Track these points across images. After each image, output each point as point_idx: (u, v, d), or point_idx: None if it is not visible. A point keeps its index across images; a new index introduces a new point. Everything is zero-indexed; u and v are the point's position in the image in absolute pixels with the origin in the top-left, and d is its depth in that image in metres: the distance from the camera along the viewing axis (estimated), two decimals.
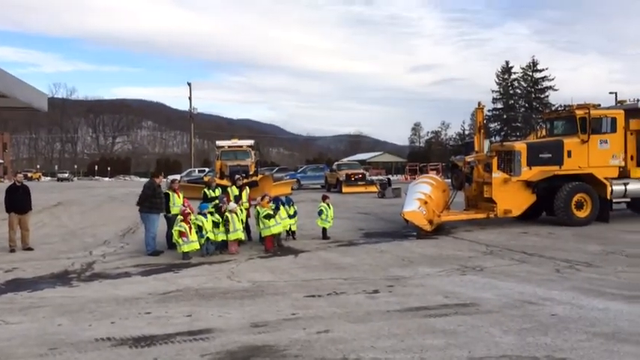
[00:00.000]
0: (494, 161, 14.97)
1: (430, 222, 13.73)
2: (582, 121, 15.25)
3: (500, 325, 6.24)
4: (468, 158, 16.68)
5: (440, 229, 14.40)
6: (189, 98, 65.86)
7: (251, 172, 28.96)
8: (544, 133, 17.75)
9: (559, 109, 17.28)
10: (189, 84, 65.64)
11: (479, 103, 17.64)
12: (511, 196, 14.83)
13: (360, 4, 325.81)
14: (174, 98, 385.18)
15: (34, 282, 9.35)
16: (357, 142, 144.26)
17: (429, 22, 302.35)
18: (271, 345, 5.72)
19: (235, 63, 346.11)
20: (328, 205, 13.83)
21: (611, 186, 15.03)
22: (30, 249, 12.56)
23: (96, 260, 11.35)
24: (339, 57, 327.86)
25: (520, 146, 15.38)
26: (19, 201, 12.77)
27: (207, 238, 11.40)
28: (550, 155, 15.17)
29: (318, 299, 7.71)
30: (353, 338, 5.88)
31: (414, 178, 28.85)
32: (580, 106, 15.67)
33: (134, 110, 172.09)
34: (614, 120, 15.41)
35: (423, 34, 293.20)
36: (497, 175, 14.86)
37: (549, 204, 15.20)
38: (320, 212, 13.74)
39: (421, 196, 14.10)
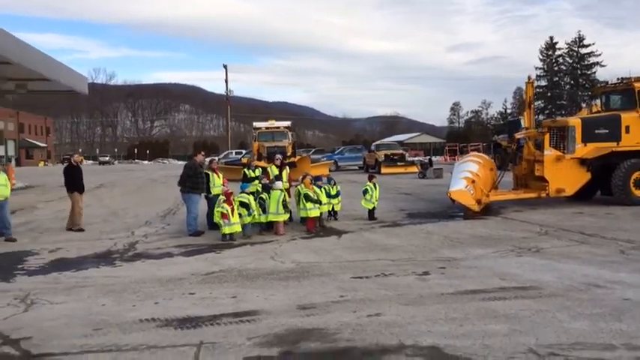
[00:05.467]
0: (546, 138, 14.22)
1: (478, 202, 13.14)
2: None
3: (567, 309, 5.76)
4: (518, 135, 15.95)
5: (487, 210, 13.79)
6: (226, 81, 66.07)
7: (289, 154, 28.60)
8: (598, 108, 16.80)
9: (615, 82, 16.31)
10: (225, 67, 65.76)
11: (529, 77, 16.82)
12: (564, 174, 14.09)
13: None
14: (211, 81, 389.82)
15: (78, 262, 9.28)
16: (393, 124, 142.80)
17: (471, 0, 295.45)
18: (321, 328, 5.41)
19: (273, 46, 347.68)
20: (374, 185, 13.40)
21: None
22: (81, 230, 12.63)
23: (138, 240, 11.29)
24: (378, 38, 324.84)
25: (574, 122, 14.56)
26: (80, 180, 13.05)
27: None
28: (607, 131, 14.30)
29: (366, 281, 7.35)
30: (407, 322, 5.51)
31: (454, 159, 28.06)
32: (639, 79, 14.71)
33: (172, 94, 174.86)
34: None
35: (464, 12, 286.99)
36: (550, 152, 14.12)
37: (604, 183, 14.41)
38: (365, 192, 13.31)
39: (468, 174, 13.50)
